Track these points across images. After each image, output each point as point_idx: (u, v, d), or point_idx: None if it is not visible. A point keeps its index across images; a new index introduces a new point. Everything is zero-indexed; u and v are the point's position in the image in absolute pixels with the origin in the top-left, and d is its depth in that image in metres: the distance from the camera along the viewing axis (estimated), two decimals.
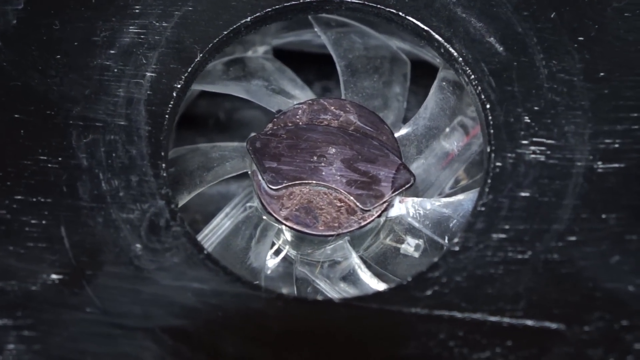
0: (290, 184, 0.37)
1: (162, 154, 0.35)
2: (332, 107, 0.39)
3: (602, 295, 0.33)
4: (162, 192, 0.35)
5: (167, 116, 0.36)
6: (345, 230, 0.37)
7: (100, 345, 0.32)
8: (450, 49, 0.37)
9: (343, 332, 0.32)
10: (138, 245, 0.34)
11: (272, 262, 0.41)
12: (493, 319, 0.32)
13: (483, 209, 0.34)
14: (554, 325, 0.32)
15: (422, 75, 0.45)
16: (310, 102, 0.39)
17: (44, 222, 0.34)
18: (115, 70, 0.37)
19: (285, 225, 0.37)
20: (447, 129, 0.41)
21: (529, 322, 0.32)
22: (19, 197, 0.34)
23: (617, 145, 0.35)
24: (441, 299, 0.33)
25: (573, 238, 0.34)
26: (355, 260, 0.38)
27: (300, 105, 0.39)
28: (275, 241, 0.40)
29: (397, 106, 0.42)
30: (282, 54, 0.47)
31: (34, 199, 0.34)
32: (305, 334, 0.32)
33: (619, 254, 0.33)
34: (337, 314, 0.33)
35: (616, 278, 0.33)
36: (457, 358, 0.32)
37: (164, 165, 0.35)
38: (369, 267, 0.39)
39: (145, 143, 0.36)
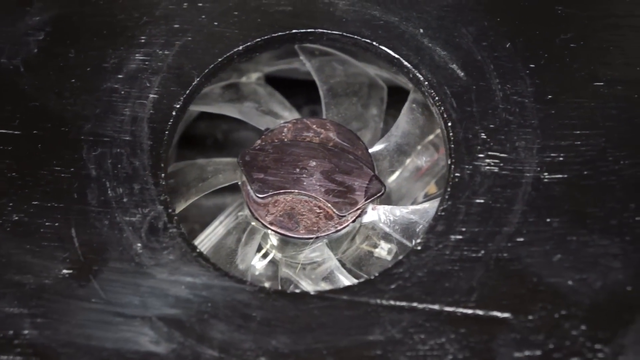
0: (275, 192, 0.42)
1: (162, 165, 0.40)
2: (314, 126, 0.44)
3: (545, 289, 0.37)
4: (161, 198, 0.39)
5: (167, 132, 0.41)
6: (323, 234, 0.41)
7: (103, 331, 0.36)
8: (418, 74, 0.42)
9: (317, 320, 0.37)
10: (139, 245, 0.38)
11: (260, 265, 0.45)
12: (449, 309, 0.36)
13: (443, 213, 0.39)
14: (502, 315, 0.36)
15: (400, 101, 0.50)
16: (294, 121, 0.44)
17: (56, 224, 0.38)
18: (122, 92, 0.41)
19: (271, 229, 0.42)
20: (419, 147, 0.46)
21: (480, 312, 0.36)
22: (36, 202, 0.39)
23: (561, 159, 0.39)
24: (404, 291, 0.37)
25: (521, 239, 0.38)
26: (334, 262, 0.43)
27: (286, 124, 0.44)
28: (263, 245, 0.44)
29: (374, 126, 0.47)
30: (275, 82, 0.51)
31: (49, 204, 0.39)
32: (284, 321, 0.37)
33: (561, 253, 0.37)
34: (312, 304, 0.37)
35: (557, 274, 0.37)
36: (417, 343, 0.36)
37: (163, 175, 0.40)
38: (347, 269, 0.43)
39: (147, 156, 0.40)
